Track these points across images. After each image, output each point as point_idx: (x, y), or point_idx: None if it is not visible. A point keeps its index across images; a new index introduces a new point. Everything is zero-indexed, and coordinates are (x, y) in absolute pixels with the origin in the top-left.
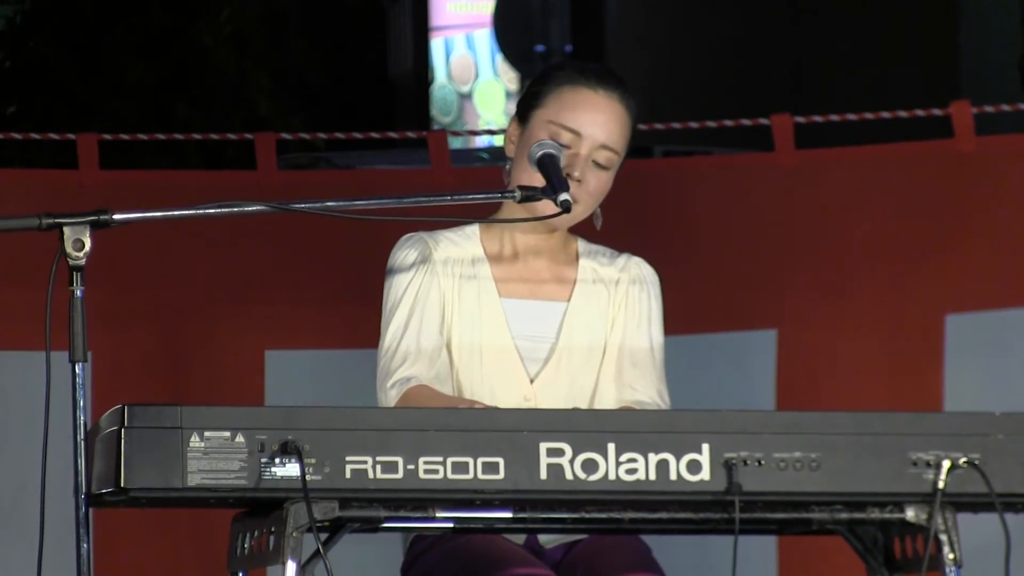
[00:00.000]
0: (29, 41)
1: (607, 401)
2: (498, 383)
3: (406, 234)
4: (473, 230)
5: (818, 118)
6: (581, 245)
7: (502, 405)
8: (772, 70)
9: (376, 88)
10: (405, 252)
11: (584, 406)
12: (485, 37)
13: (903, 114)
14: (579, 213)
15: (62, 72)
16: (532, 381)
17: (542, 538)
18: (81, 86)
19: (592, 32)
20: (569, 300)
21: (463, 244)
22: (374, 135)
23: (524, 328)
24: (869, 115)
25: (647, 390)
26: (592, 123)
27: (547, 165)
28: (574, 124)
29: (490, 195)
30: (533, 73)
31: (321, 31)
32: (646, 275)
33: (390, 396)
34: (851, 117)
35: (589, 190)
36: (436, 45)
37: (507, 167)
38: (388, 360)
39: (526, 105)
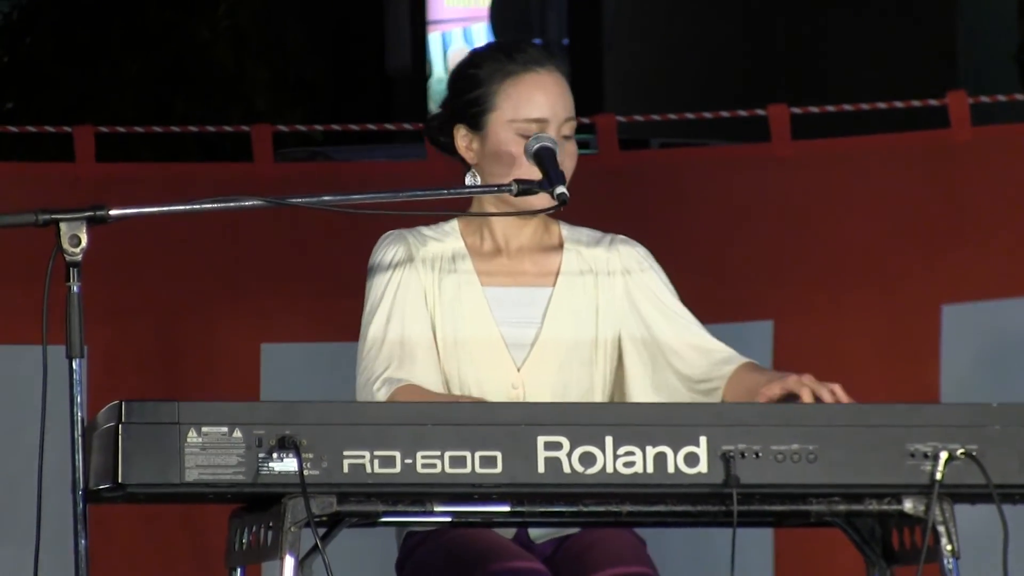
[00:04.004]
0: (26, 36)
1: (642, 391)
2: (484, 372)
3: (386, 232)
4: (452, 226)
5: (814, 109)
6: (564, 230)
7: (490, 394)
8: (769, 61)
9: (374, 82)
10: (384, 250)
11: (575, 393)
12: (483, 30)
13: (899, 104)
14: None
15: (59, 67)
16: (519, 368)
17: (533, 532)
18: (79, 81)
19: (589, 24)
20: (554, 286)
21: (443, 240)
22: (371, 127)
23: (508, 315)
24: (865, 106)
25: (722, 345)
26: (550, 105)
27: (544, 158)
28: (537, 113)
29: (487, 188)
30: None
31: (318, 25)
32: (642, 256)
33: (377, 398)
34: (847, 107)
35: (568, 166)
36: (434, 39)
37: (470, 175)
38: (371, 361)
39: (473, 112)
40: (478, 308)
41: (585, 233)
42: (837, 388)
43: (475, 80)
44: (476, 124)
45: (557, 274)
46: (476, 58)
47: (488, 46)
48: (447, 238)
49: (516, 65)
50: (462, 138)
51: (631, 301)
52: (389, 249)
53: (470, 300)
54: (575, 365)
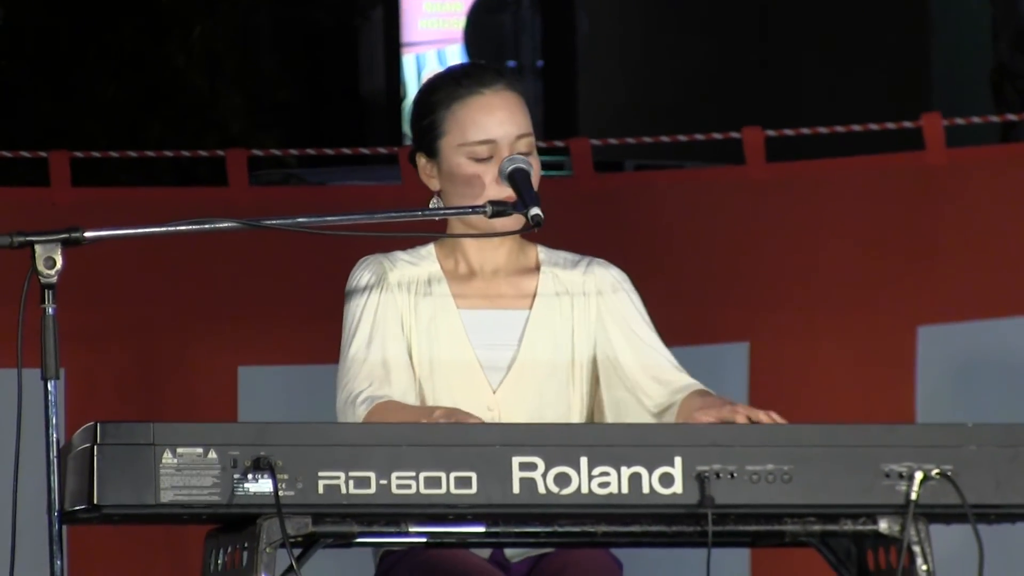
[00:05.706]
0: (0, 61)
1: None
2: (460, 394)
3: (362, 258)
4: (428, 250)
5: (789, 131)
6: (541, 253)
7: None
8: (743, 84)
9: (348, 105)
10: (360, 274)
11: (552, 415)
12: (457, 53)
13: (874, 127)
14: None
15: (34, 93)
16: (495, 391)
17: (508, 552)
18: (54, 106)
19: (563, 48)
20: (531, 308)
21: (420, 264)
22: (345, 151)
23: (484, 337)
24: (840, 128)
25: (682, 375)
26: (498, 124)
27: (518, 180)
28: (483, 135)
29: (461, 210)
30: None
31: (293, 49)
32: (617, 279)
33: (359, 414)
34: (822, 130)
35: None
36: (408, 61)
37: (433, 202)
38: (352, 379)
39: (428, 139)
40: (454, 331)
41: (562, 256)
42: (773, 413)
43: (427, 107)
44: (431, 151)
45: (534, 296)
46: (428, 85)
47: (440, 73)
48: (423, 262)
49: (462, 89)
50: (423, 166)
51: (601, 323)
52: (365, 273)
53: (446, 323)
54: (552, 387)
